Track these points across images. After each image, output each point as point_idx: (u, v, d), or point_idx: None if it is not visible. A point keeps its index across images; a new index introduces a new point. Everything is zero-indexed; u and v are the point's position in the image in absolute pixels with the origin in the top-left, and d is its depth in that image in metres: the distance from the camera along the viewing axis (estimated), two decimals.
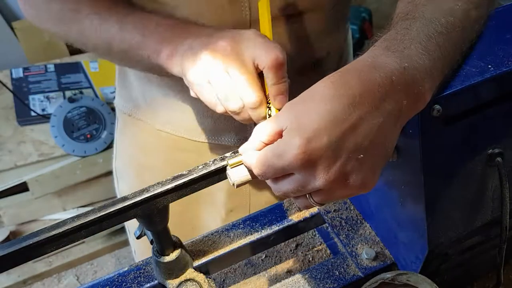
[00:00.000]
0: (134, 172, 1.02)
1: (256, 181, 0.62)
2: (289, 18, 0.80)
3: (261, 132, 0.52)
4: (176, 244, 0.66)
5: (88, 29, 0.73)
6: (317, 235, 0.82)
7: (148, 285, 0.71)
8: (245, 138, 0.88)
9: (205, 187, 0.60)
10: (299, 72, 0.82)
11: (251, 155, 0.53)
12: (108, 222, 0.57)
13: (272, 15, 0.67)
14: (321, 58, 0.89)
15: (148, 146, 0.97)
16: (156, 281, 0.70)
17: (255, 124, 0.58)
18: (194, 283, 0.65)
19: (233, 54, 0.62)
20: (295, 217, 0.77)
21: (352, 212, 0.76)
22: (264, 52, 0.60)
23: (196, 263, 0.73)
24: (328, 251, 0.80)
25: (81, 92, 2.12)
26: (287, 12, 0.79)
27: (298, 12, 0.80)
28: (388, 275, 0.63)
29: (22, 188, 1.96)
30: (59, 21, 0.77)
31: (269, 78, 0.61)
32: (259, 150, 0.53)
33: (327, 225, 0.76)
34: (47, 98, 2.09)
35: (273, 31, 0.66)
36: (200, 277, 0.66)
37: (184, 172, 0.59)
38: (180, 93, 0.87)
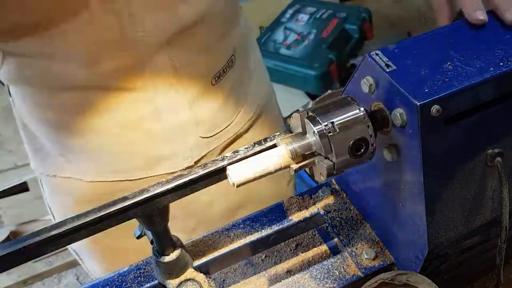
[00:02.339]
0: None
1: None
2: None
3: None
4: (176, 244, 0.66)
5: None
6: (317, 235, 0.82)
7: (148, 285, 0.71)
8: (184, 163, 0.88)
9: (205, 187, 0.61)
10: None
11: None
12: (108, 222, 0.57)
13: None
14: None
15: (87, 199, 0.91)
16: (156, 281, 0.70)
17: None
18: (194, 283, 0.65)
19: None
20: (295, 217, 0.77)
21: (352, 212, 0.76)
22: None
23: (196, 263, 0.73)
24: (328, 251, 0.80)
25: None
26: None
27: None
28: (388, 275, 0.63)
29: (22, 188, 1.97)
30: None
31: None
32: None
33: (327, 225, 0.76)
34: None
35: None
36: (200, 277, 0.66)
37: (184, 172, 0.59)
38: (103, 138, 0.85)
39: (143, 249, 0.76)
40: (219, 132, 0.93)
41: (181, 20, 0.78)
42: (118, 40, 0.74)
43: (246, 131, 0.99)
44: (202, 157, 0.92)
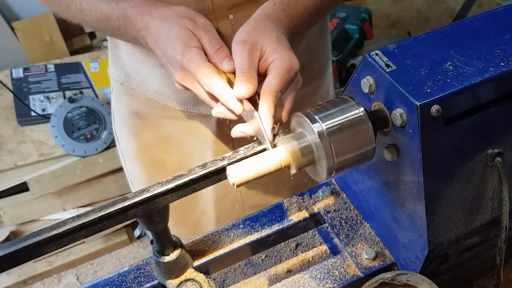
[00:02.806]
0: (131, 133, 1.09)
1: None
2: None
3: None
4: (176, 244, 0.66)
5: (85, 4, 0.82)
6: (317, 235, 0.82)
7: (148, 285, 0.71)
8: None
9: (205, 187, 0.60)
10: None
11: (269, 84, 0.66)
12: (108, 222, 0.57)
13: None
14: None
15: (141, 112, 1.04)
16: (156, 281, 0.70)
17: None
18: (194, 283, 0.65)
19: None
20: (295, 217, 0.77)
21: (352, 212, 0.76)
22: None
23: (196, 263, 0.73)
24: (328, 251, 0.80)
25: (81, 92, 2.12)
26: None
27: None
28: (388, 275, 0.63)
29: (22, 188, 1.96)
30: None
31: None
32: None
33: (327, 225, 0.76)
34: (47, 98, 2.09)
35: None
36: (200, 277, 0.66)
37: (184, 172, 0.59)
38: (162, 68, 0.92)
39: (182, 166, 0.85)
40: None
41: None
42: None
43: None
44: None
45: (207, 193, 1.09)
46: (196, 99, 0.95)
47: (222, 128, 1.00)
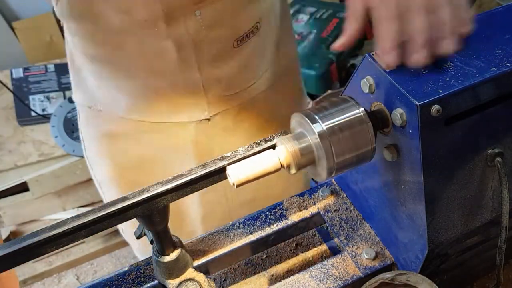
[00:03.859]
0: (104, 158, 1.07)
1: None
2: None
3: None
4: (176, 244, 0.66)
5: None
6: (317, 235, 0.82)
7: (148, 285, 0.71)
8: (200, 115, 0.97)
9: (205, 187, 0.61)
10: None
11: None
12: (108, 222, 0.57)
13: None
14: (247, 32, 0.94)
15: (113, 133, 1.03)
16: (156, 281, 0.70)
17: None
18: (194, 283, 0.65)
19: None
20: (295, 217, 0.77)
21: (352, 212, 0.76)
22: None
23: (196, 263, 0.73)
24: (328, 251, 0.80)
25: None
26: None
27: None
28: (388, 275, 0.63)
29: (22, 188, 1.96)
30: None
31: None
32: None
33: (327, 225, 0.76)
34: (47, 98, 2.09)
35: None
36: (200, 277, 0.66)
37: (184, 172, 0.59)
38: (132, 80, 0.94)
39: None
40: (239, 92, 0.99)
41: None
42: None
43: (267, 94, 1.05)
44: (217, 113, 0.99)
45: (194, 212, 1.09)
46: (172, 109, 0.96)
47: (202, 134, 0.99)
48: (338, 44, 0.61)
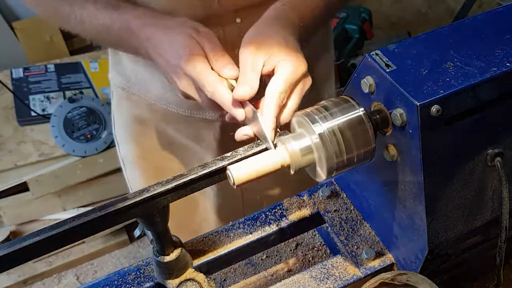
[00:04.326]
0: (132, 139, 1.09)
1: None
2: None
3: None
4: (176, 244, 0.66)
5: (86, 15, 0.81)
6: (317, 235, 0.82)
7: (148, 285, 0.71)
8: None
9: (205, 187, 0.61)
10: None
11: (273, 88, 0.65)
12: (108, 222, 0.57)
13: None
14: None
15: (143, 117, 1.04)
16: (156, 281, 0.70)
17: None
18: (194, 283, 0.65)
19: None
20: (295, 217, 0.77)
21: (352, 212, 0.76)
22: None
23: (196, 263, 0.73)
24: (328, 251, 0.80)
25: (81, 92, 2.12)
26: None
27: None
28: (388, 275, 0.63)
29: (22, 188, 1.96)
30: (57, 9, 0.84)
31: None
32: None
33: (327, 225, 0.76)
34: (47, 98, 2.09)
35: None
36: (200, 277, 0.66)
37: (184, 172, 0.59)
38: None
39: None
40: None
41: None
42: (195, 1, 0.82)
43: None
44: None
45: (209, 202, 1.09)
46: (199, 104, 0.97)
47: (226, 133, 0.99)
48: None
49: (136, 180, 1.15)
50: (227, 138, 1.00)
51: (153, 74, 0.95)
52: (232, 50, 0.86)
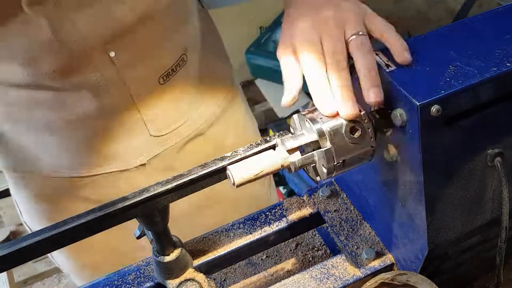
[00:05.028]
0: (44, 220, 0.99)
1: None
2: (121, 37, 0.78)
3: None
4: (176, 244, 0.66)
5: None
6: (317, 235, 0.82)
7: (148, 285, 0.71)
8: (136, 161, 0.89)
9: (205, 187, 0.61)
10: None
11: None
12: (108, 222, 0.57)
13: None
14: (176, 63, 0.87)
15: (44, 195, 0.94)
16: (156, 281, 0.70)
17: None
18: (194, 283, 0.65)
19: None
20: (295, 217, 0.77)
21: (352, 212, 0.76)
22: None
23: (196, 263, 0.73)
24: (328, 251, 0.80)
25: None
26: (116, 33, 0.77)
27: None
28: (388, 275, 0.63)
29: None
30: None
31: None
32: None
33: (327, 225, 0.76)
34: None
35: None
36: (200, 277, 0.66)
37: (184, 172, 0.59)
38: (55, 134, 0.85)
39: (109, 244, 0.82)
40: (172, 131, 0.92)
41: (119, 22, 0.76)
42: (52, 42, 0.73)
43: (207, 129, 0.98)
44: (156, 155, 0.91)
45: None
46: (105, 158, 0.87)
47: (138, 180, 0.92)
48: (285, 103, 0.61)
49: (64, 260, 1.04)
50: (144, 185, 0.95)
51: (44, 145, 0.87)
52: (117, 87, 0.80)
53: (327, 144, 0.56)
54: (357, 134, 0.57)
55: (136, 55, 0.81)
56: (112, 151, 0.88)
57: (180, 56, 0.87)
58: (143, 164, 0.91)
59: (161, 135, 0.91)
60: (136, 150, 0.89)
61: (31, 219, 1.02)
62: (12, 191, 1.02)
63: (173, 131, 0.92)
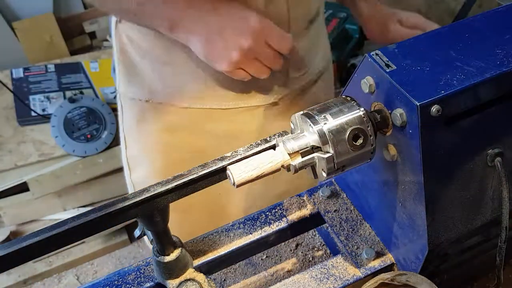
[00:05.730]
0: (158, 153, 1.02)
1: None
2: None
3: None
4: (176, 244, 0.66)
5: None
6: (317, 235, 0.82)
7: (148, 285, 0.71)
8: (270, 98, 0.98)
9: (205, 187, 0.61)
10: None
11: None
12: (108, 222, 0.57)
13: None
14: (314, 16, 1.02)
15: (173, 126, 0.99)
16: (156, 281, 0.70)
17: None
18: (194, 283, 0.65)
19: None
20: (295, 217, 0.77)
21: (352, 212, 0.76)
22: None
23: (196, 263, 0.73)
24: (328, 251, 0.80)
25: (81, 92, 2.12)
26: None
27: None
28: (387, 275, 0.63)
29: (22, 188, 1.96)
30: None
31: None
32: None
33: (327, 225, 0.76)
34: (48, 98, 2.09)
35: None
36: (200, 277, 0.66)
37: (184, 172, 0.59)
38: (202, 70, 0.92)
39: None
40: (303, 75, 1.03)
41: None
42: None
43: (314, 83, 1.08)
44: (283, 96, 1.01)
45: (237, 200, 1.06)
46: (244, 93, 0.96)
47: (267, 118, 1.00)
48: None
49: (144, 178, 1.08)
50: (267, 125, 1.00)
51: (186, 76, 0.93)
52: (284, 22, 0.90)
53: (330, 150, 0.56)
54: (359, 142, 0.57)
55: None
56: (254, 87, 0.96)
57: (317, 8, 1.01)
58: (276, 102, 1.00)
59: (295, 76, 1.01)
60: (274, 88, 0.98)
61: (139, 152, 1.04)
62: (129, 121, 1.04)
63: (303, 75, 1.03)
